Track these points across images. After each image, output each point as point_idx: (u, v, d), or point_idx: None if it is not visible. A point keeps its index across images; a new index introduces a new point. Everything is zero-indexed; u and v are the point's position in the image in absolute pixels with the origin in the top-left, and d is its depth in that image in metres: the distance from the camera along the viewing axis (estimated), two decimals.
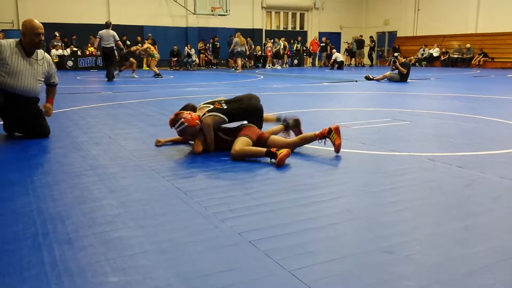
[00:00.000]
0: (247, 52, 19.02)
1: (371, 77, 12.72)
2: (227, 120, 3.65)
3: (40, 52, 4.38)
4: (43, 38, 4.26)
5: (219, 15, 22.30)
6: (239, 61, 17.71)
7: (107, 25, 12.13)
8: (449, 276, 1.65)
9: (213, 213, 2.28)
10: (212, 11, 21.94)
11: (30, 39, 4.18)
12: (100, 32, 12.02)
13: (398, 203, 2.45)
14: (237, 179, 2.93)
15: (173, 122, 3.68)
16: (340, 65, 19.83)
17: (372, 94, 9.18)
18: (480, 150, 3.75)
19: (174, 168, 3.20)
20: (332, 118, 5.61)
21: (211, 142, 3.63)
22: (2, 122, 4.54)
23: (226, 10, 22.15)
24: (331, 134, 3.60)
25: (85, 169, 3.16)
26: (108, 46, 11.94)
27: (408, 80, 12.10)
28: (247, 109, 3.75)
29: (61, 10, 19.00)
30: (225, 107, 3.70)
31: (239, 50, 17.45)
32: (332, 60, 20.08)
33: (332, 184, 2.83)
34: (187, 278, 1.64)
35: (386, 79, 12.30)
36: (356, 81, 12.45)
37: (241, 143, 3.45)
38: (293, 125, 4.01)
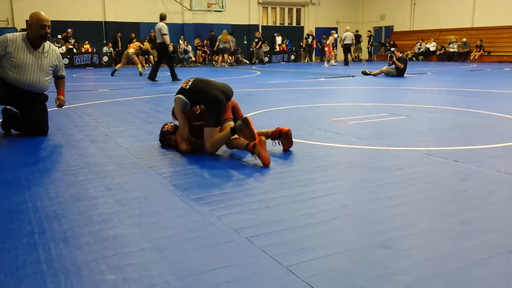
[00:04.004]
0: (232, 49, 19.45)
1: (368, 72, 12.72)
2: (188, 101, 3.49)
3: (47, 45, 4.34)
4: (49, 30, 4.23)
5: (215, 11, 22.24)
6: (220, 57, 18.90)
7: (160, 18, 10.90)
8: (445, 270, 1.65)
9: (209, 210, 2.27)
10: (208, 7, 21.86)
11: (36, 31, 4.16)
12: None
13: (395, 198, 2.45)
14: (233, 176, 2.93)
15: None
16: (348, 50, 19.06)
17: (369, 89, 9.18)
18: (476, 144, 3.76)
19: (171, 165, 3.20)
20: (329, 113, 5.60)
21: (182, 127, 3.53)
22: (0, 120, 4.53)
23: (222, 6, 22.07)
24: (280, 138, 3.54)
25: (81, 167, 3.15)
26: (159, 41, 10.84)
27: (405, 75, 12.11)
28: (206, 98, 3.45)
29: (56, 7, 18.87)
30: (188, 86, 3.53)
31: (221, 47, 18.55)
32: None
33: (328, 179, 2.82)
34: (183, 275, 1.64)
35: (383, 74, 12.30)
36: (353, 76, 12.44)
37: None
38: (239, 128, 3.32)
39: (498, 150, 3.56)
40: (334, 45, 19.80)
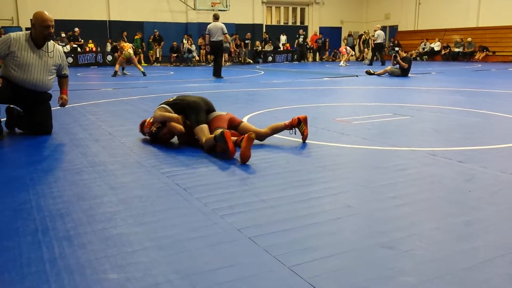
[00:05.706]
0: (231, 48, 19.66)
1: (372, 72, 12.69)
2: (172, 111, 3.75)
3: (51, 44, 4.35)
4: (52, 30, 4.24)
5: (219, 10, 22.23)
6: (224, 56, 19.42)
7: (215, 18, 11.54)
8: (448, 271, 1.64)
9: (213, 210, 2.27)
10: (212, 6, 21.88)
11: (40, 31, 4.17)
12: (208, 26, 11.57)
13: (398, 198, 2.44)
14: (237, 175, 2.93)
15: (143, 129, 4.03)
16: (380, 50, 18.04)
17: (373, 89, 9.15)
18: (481, 145, 3.74)
19: (174, 165, 3.20)
20: (333, 113, 5.60)
21: (175, 121, 3.65)
22: (3, 119, 4.54)
23: (226, 5, 22.09)
24: (300, 125, 3.74)
25: (85, 166, 3.16)
26: (216, 40, 11.38)
27: (409, 75, 12.07)
28: (186, 104, 3.74)
29: (60, 6, 18.92)
30: (171, 99, 3.90)
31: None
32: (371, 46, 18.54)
33: (332, 179, 2.82)
34: (186, 274, 1.64)
35: (387, 73, 12.27)
36: (357, 76, 12.41)
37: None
38: (219, 139, 3.32)
39: (502, 150, 3.55)
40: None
